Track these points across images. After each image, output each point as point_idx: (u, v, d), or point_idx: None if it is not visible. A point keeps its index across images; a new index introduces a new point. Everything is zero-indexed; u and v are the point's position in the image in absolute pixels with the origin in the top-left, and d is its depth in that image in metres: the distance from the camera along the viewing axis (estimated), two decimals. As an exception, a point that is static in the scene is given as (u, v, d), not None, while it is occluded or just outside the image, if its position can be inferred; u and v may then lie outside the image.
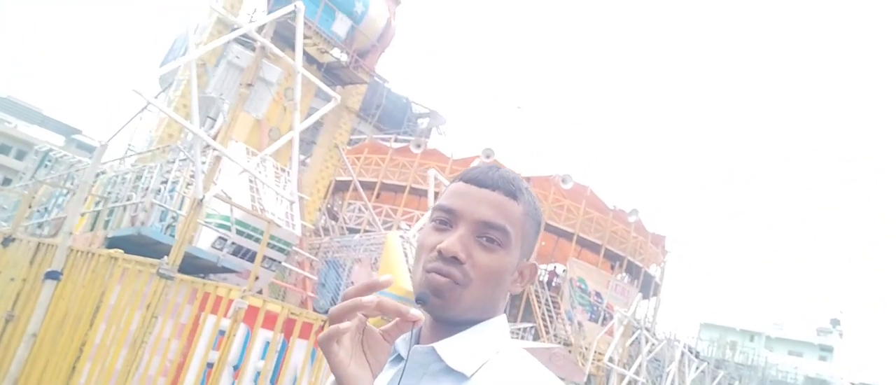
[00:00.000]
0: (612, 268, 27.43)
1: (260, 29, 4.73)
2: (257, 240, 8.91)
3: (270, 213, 9.28)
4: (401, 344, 1.02)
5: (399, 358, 1.01)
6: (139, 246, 8.19)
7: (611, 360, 12.09)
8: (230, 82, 4.84)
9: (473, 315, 0.99)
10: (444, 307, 0.97)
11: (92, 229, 11.36)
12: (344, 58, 13.88)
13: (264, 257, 10.33)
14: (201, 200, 4.82)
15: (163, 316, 4.96)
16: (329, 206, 26.30)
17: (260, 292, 10.77)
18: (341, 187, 24.48)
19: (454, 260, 0.96)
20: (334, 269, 14.09)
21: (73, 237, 10.83)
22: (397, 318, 0.87)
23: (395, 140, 24.19)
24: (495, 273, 0.99)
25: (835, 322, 54.32)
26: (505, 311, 1.07)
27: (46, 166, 14.61)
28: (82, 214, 12.50)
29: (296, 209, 10.23)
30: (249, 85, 4.94)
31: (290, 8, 6.12)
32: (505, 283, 1.02)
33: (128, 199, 9.96)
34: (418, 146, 23.37)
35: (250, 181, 8.71)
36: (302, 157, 18.03)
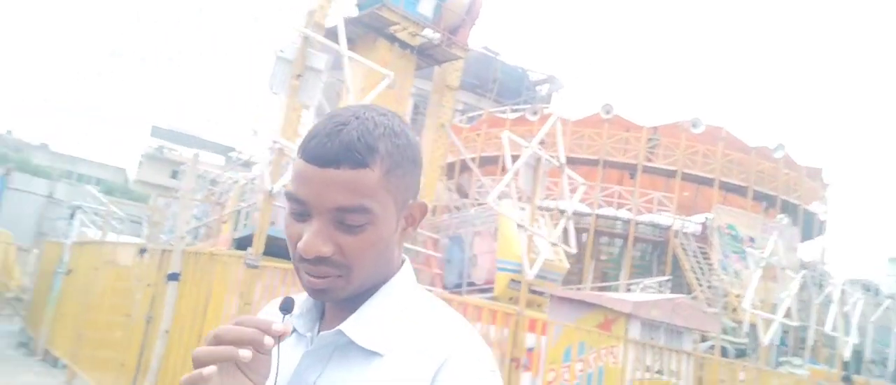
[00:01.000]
0: (766, 210, 25.46)
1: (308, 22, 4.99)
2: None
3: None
4: (300, 323, 1.00)
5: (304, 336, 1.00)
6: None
7: (754, 305, 11.33)
8: (279, 76, 5.15)
9: (369, 285, 0.96)
10: (335, 298, 0.95)
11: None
12: (436, 37, 14.07)
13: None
14: (270, 192, 5.20)
15: (259, 300, 5.42)
16: (459, 184, 26.82)
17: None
18: (468, 166, 24.82)
19: (320, 258, 0.90)
20: (457, 245, 14.42)
21: (214, 242, 12.03)
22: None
23: (511, 111, 24.09)
24: (370, 251, 0.92)
25: None
26: (404, 259, 1.02)
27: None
28: (224, 221, 13.81)
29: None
30: (299, 76, 5.22)
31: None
32: (389, 246, 0.96)
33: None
34: (534, 113, 23.13)
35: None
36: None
